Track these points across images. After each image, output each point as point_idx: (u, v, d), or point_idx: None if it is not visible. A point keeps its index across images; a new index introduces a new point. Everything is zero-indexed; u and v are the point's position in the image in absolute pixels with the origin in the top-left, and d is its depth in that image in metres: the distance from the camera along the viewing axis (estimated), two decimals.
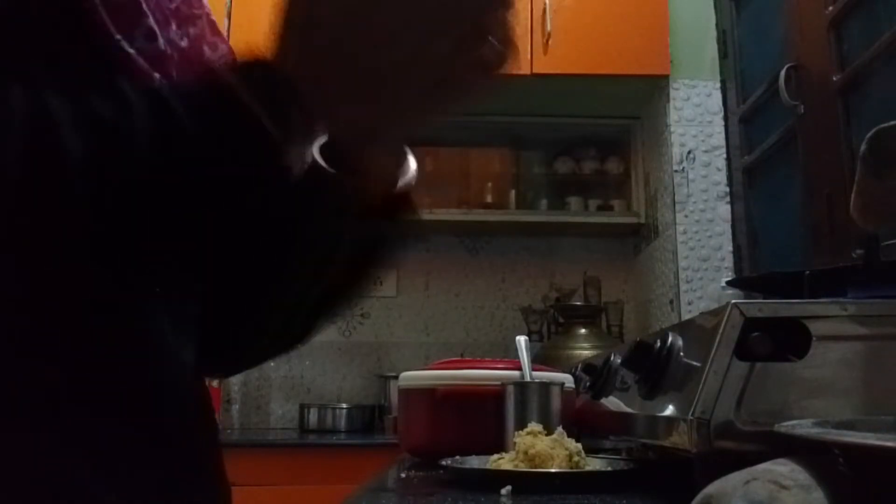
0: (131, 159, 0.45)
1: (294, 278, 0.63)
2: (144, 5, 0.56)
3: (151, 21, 0.57)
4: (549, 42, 2.50)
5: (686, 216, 2.50)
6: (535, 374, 1.03)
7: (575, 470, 0.78)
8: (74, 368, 0.51)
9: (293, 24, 0.49)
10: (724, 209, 2.50)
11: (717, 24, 2.62)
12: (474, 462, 0.84)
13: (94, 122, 0.45)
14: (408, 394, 1.10)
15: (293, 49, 0.48)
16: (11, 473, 0.48)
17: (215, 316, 0.64)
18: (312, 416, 2.64)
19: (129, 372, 0.54)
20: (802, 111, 1.95)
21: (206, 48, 0.64)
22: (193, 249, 0.51)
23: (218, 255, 0.52)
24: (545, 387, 0.97)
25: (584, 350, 2.43)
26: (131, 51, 0.54)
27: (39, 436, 0.49)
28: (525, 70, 2.45)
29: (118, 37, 0.54)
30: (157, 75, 0.56)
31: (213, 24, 0.66)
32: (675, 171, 2.54)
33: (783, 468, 0.43)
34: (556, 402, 0.96)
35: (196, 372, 0.63)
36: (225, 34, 0.68)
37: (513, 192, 2.97)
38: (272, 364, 2.87)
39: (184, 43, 0.61)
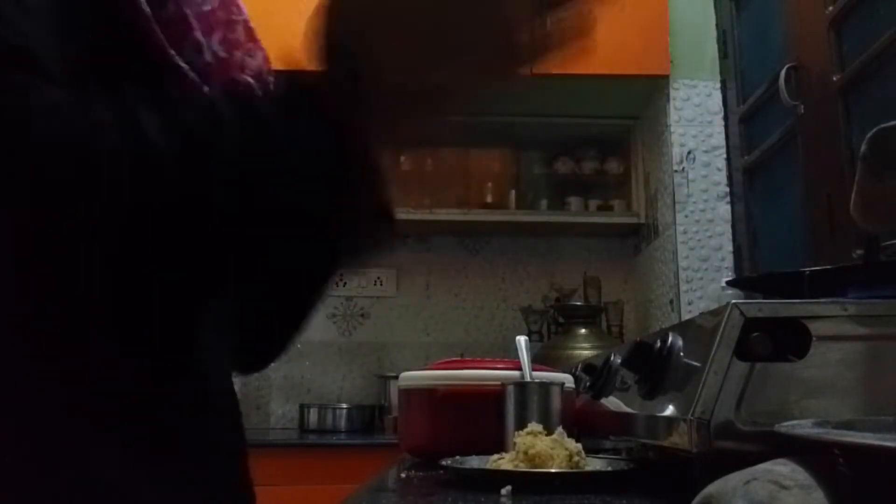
0: (220, 163, 0.46)
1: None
2: (192, 19, 0.56)
3: (198, 33, 0.57)
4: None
5: (686, 216, 2.50)
6: (535, 374, 1.03)
7: (575, 470, 0.78)
8: (108, 369, 0.51)
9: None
10: (724, 209, 2.50)
11: (717, 24, 2.62)
12: (474, 462, 0.84)
13: (182, 129, 0.45)
14: (408, 394, 1.10)
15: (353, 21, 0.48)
16: (43, 470, 0.48)
17: (264, 313, 0.65)
18: (312, 416, 2.64)
19: (167, 376, 0.54)
20: (802, 111, 1.95)
21: (241, 54, 0.64)
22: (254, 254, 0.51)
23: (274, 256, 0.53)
24: (545, 387, 0.97)
25: (584, 350, 2.43)
26: (183, 65, 0.55)
27: (71, 434, 0.49)
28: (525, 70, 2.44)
29: (171, 52, 0.54)
30: (205, 88, 0.56)
31: (250, 31, 0.66)
32: (675, 171, 2.54)
33: (783, 468, 0.43)
34: (556, 402, 0.96)
35: (228, 377, 0.63)
36: (256, 34, 0.68)
37: (513, 192, 2.97)
38: (272, 364, 2.86)
39: (222, 52, 0.61)
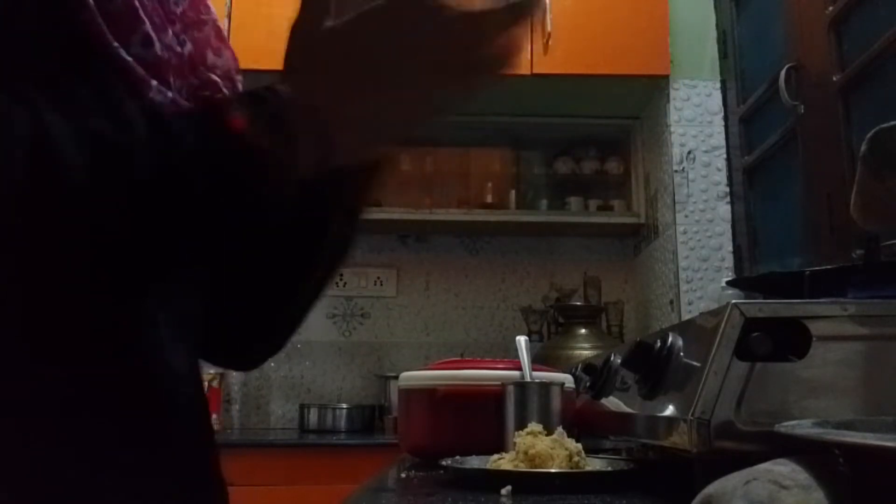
0: (131, 175, 0.46)
1: (311, 271, 0.65)
2: (141, 11, 0.56)
3: (148, 27, 0.57)
4: (549, 42, 2.50)
5: (686, 216, 2.50)
6: (535, 374, 1.03)
7: (575, 470, 0.78)
8: (68, 371, 0.51)
9: (300, 40, 0.51)
10: (724, 209, 2.50)
11: (717, 24, 2.62)
12: (474, 462, 0.84)
13: (94, 140, 0.46)
14: (408, 394, 1.10)
15: (299, 68, 0.50)
16: (8, 475, 0.48)
17: (240, 312, 0.65)
18: (312, 416, 2.64)
19: (123, 374, 0.54)
20: (802, 111, 1.95)
21: (209, 53, 0.65)
22: (191, 257, 0.51)
23: (231, 259, 0.53)
24: (545, 387, 0.97)
25: (584, 350, 2.43)
26: (128, 58, 0.55)
27: (35, 438, 0.49)
28: (525, 70, 2.44)
29: (115, 45, 0.54)
30: (153, 82, 0.56)
31: (218, 31, 0.67)
32: (675, 171, 2.54)
33: (783, 468, 0.43)
34: (556, 402, 0.96)
35: (192, 375, 0.63)
36: (225, 34, 0.69)
37: (513, 192, 2.97)
38: (272, 364, 2.87)
39: (186, 48, 0.62)
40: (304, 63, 0.51)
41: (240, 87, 0.67)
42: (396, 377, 1.27)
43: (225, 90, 0.64)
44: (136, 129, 0.47)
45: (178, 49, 0.60)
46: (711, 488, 0.44)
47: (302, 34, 0.51)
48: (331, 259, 0.66)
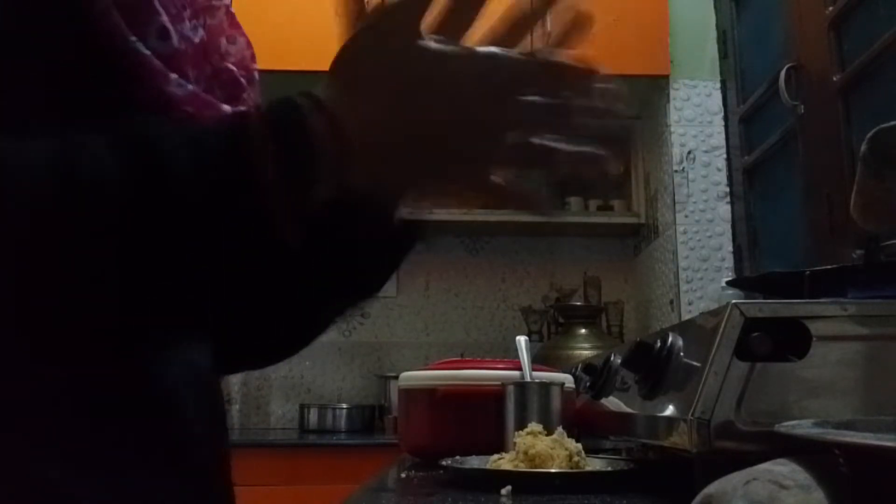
0: (103, 197, 0.44)
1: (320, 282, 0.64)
2: (157, 2, 0.55)
3: (164, 18, 0.55)
4: (549, 42, 2.50)
5: (686, 216, 2.50)
6: (535, 374, 1.03)
7: (575, 470, 0.78)
8: (68, 371, 0.50)
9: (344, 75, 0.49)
10: (724, 209, 2.50)
11: (717, 24, 2.62)
12: (474, 462, 0.84)
13: (72, 160, 0.44)
14: (408, 394, 1.10)
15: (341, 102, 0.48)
16: (6, 479, 0.48)
17: (247, 317, 0.65)
18: (312, 416, 2.64)
19: (124, 375, 0.54)
20: (802, 111, 1.95)
21: (223, 40, 0.64)
22: (197, 277, 0.50)
23: (239, 276, 0.52)
24: (545, 387, 0.97)
25: (584, 350, 2.43)
26: (146, 52, 0.53)
27: (39, 442, 0.49)
28: None
29: (132, 38, 0.52)
30: (172, 76, 0.54)
31: (231, 17, 0.66)
32: (675, 171, 2.54)
33: (783, 468, 0.43)
34: (556, 402, 0.96)
35: (208, 375, 0.63)
36: (238, 21, 0.67)
37: None
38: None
39: (198, 36, 0.60)
40: (347, 83, 0.49)
41: (255, 75, 0.65)
42: (396, 377, 1.27)
43: (240, 78, 0.63)
44: (116, 155, 0.45)
45: (195, 38, 0.58)
46: (711, 488, 0.44)
47: (354, 53, 0.49)
48: (361, 280, 0.65)
